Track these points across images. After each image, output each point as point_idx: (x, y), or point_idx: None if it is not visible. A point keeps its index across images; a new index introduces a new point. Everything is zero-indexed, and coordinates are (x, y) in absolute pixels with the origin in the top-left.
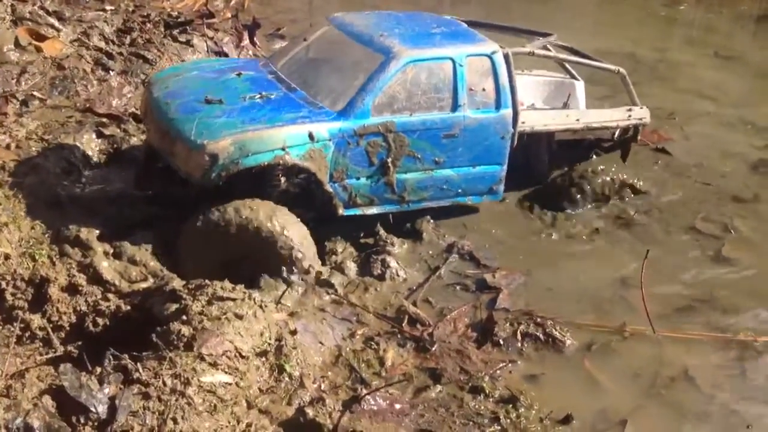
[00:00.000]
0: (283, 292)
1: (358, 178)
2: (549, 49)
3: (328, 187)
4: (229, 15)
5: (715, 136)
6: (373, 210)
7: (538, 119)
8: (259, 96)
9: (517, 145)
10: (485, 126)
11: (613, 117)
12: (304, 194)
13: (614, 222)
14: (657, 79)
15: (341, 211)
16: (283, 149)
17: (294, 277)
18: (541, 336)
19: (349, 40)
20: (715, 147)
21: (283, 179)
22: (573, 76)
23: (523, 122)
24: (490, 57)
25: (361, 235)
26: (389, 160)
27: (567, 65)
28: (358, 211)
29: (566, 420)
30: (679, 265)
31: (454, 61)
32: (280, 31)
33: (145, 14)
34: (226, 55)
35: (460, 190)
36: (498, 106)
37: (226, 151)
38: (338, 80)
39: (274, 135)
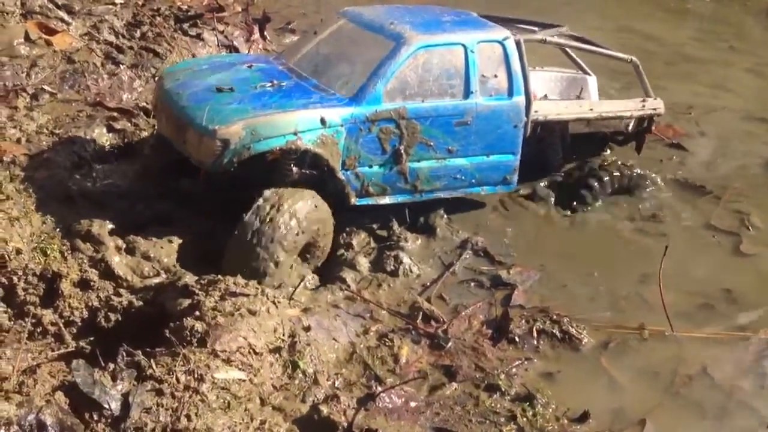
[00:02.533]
0: (296, 288)
1: (370, 166)
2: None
3: (341, 175)
4: (239, 9)
5: (731, 132)
6: (386, 200)
7: (551, 108)
8: (270, 84)
9: (531, 137)
10: (498, 113)
11: (626, 107)
12: (314, 185)
13: (629, 218)
14: (671, 73)
15: (353, 200)
16: (294, 134)
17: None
18: (558, 333)
19: (359, 29)
20: (730, 142)
21: (294, 169)
22: (585, 72)
23: (536, 111)
24: (501, 43)
25: (375, 226)
26: (402, 147)
27: (579, 61)
28: (370, 201)
29: (583, 418)
30: (696, 261)
31: (465, 47)
32: (291, 25)
33: (155, 8)
34: (237, 49)
35: (473, 180)
36: (510, 93)
37: (237, 135)
38: (349, 67)
39: (286, 119)
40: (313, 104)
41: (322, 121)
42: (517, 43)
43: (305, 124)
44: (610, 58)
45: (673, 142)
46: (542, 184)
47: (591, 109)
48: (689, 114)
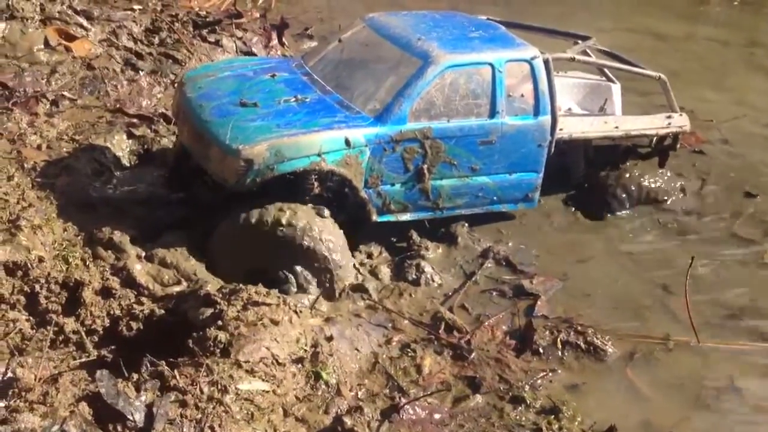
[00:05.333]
0: (317, 297)
1: (393, 185)
2: (589, 54)
3: (363, 194)
4: (257, 15)
5: (753, 139)
6: (407, 216)
7: (576, 126)
8: (294, 99)
9: (554, 150)
10: (523, 133)
11: (652, 124)
12: (336, 197)
13: (654, 226)
14: (691, 80)
15: (374, 218)
16: (319, 155)
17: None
18: (582, 344)
19: (385, 42)
20: (753, 150)
21: (316, 183)
22: (609, 79)
23: (560, 129)
24: (529, 62)
25: (394, 239)
26: (425, 166)
27: (604, 68)
28: (391, 218)
29: None
30: (720, 271)
31: (493, 67)
32: (309, 31)
33: (174, 14)
34: (255, 55)
35: (495, 198)
36: (536, 112)
37: (261, 156)
38: (375, 84)
39: (311, 141)
40: (338, 124)
41: (347, 142)
42: (546, 62)
43: (330, 145)
44: (638, 75)
45: (696, 150)
46: (565, 194)
47: (616, 127)
48: (710, 121)
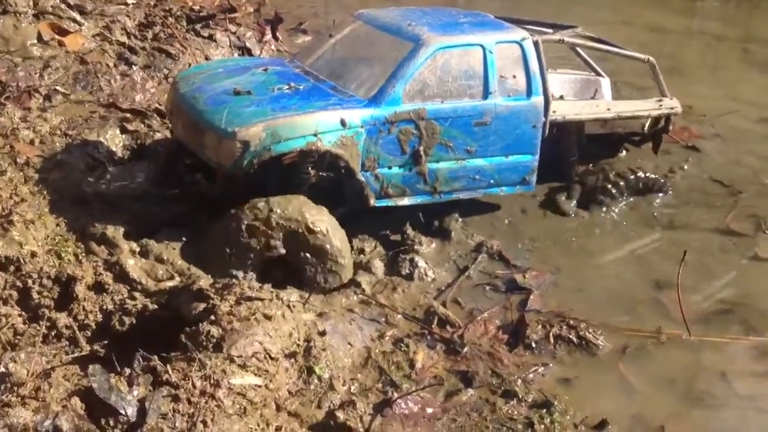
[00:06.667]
0: (311, 293)
1: (390, 167)
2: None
3: (360, 177)
4: (251, 9)
5: (746, 134)
6: (405, 201)
7: (569, 108)
8: (287, 87)
9: (547, 138)
10: (517, 114)
11: (644, 107)
12: (332, 190)
13: (646, 221)
14: (684, 75)
15: (372, 202)
16: (315, 135)
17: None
18: (575, 339)
19: (376, 32)
20: (746, 144)
21: (312, 171)
22: (598, 74)
23: (554, 111)
24: (519, 44)
25: (388, 232)
26: (421, 148)
27: (592, 63)
28: (390, 202)
29: (601, 426)
30: (713, 265)
31: (484, 48)
32: (303, 26)
33: (167, 8)
34: (249, 50)
35: (492, 181)
36: (529, 93)
37: (257, 137)
38: (367, 69)
39: (306, 121)
40: (333, 106)
41: (342, 123)
42: (535, 44)
43: (325, 126)
44: (626, 58)
45: (689, 145)
46: (558, 186)
47: (608, 109)
48: (703, 116)
